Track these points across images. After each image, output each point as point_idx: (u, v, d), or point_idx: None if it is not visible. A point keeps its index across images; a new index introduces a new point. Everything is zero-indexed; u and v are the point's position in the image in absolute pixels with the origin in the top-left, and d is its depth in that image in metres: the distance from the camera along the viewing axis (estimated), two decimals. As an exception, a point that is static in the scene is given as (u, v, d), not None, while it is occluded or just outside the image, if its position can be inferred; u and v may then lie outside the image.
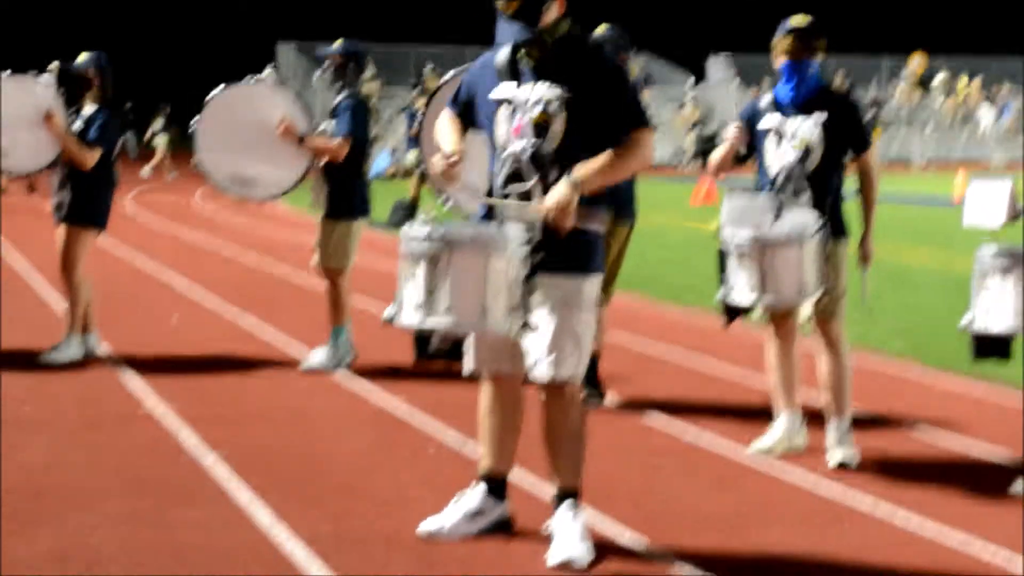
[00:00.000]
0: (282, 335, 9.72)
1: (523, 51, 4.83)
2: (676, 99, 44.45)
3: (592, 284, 4.90)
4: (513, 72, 4.87)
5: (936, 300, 11.98)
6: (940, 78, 49.10)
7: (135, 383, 7.92)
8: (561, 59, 4.82)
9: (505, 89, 4.87)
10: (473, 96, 5.05)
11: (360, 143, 8.39)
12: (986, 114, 46.84)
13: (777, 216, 6.06)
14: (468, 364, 5.08)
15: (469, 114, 5.09)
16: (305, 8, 60.59)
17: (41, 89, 8.58)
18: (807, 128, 6.25)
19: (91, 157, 8.46)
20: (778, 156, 6.30)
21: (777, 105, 6.39)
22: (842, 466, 6.17)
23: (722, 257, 6.24)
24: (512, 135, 4.82)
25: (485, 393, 5.10)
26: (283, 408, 7.38)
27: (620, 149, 4.79)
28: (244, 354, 9.00)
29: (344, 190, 8.43)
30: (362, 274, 13.10)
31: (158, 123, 34.21)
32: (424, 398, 7.58)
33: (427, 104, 7.17)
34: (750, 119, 6.46)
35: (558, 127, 4.77)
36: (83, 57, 8.65)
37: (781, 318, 6.46)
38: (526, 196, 4.74)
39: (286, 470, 6.04)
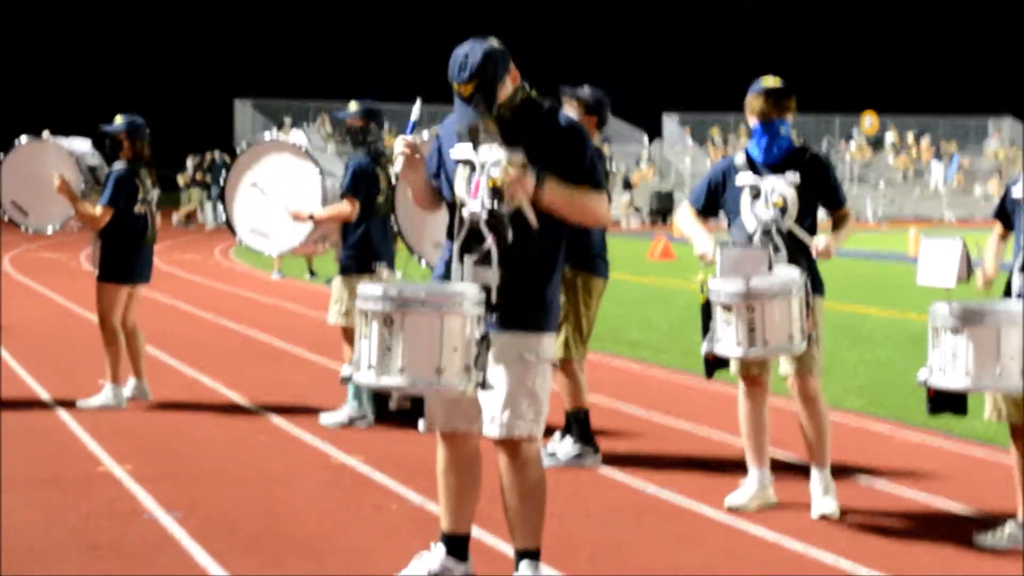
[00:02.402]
0: (241, 393, 9.66)
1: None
2: (632, 156, 44.80)
3: (548, 342, 4.88)
4: (473, 134, 4.88)
5: (893, 355, 12.08)
6: (891, 136, 49.81)
7: (93, 442, 7.85)
8: (519, 122, 4.83)
9: (464, 150, 4.88)
10: (436, 163, 5.06)
11: (365, 202, 8.42)
12: (936, 170, 47.50)
13: (770, 267, 6.10)
14: (423, 423, 5.06)
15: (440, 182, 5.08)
16: (261, 66, 60.76)
17: (55, 150, 9.18)
18: (782, 187, 6.35)
19: (101, 217, 8.94)
20: (754, 213, 6.39)
21: (751, 163, 6.50)
22: (823, 517, 6.30)
23: (707, 309, 6.23)
24: (470, 196, 4.82)
25: (441, 452, 5.07)
26: (243, 467, 7.32)
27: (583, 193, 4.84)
28: (204, 412, 8.94)
29: (352, 245, 8.48)
30: (320, 328, 13.09)
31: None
32: (386, 455, 7.55)
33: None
34: (724, 174, 6.56)
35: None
36: (119, 120, 9.16)
37: (754, 376, 6.52)
38: (485, 258, 4.72)
39: (246, 529, 5.98)
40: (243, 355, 11.96)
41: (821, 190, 6.46)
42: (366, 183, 8.42)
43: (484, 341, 4.58)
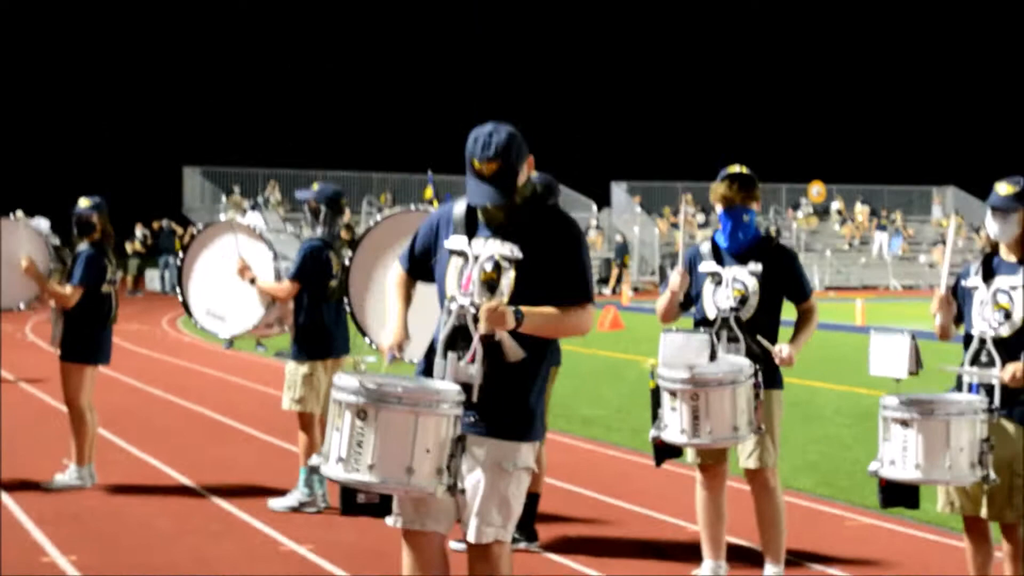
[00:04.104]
0: (188, 475, 9.53)
1: (488, 210, 4.74)
2: (581, 224, 45.05)
3: (527, 450, 4.73)
4: (469, 225, 4.78)
5: (843, 432, 12.11)
6: (836, 205, 50.37)
7: (37, 530, 7.70)
8: (522, 216, 4.72)
9: (458, 241, 4.76)
10: (428, 247, 4.93)
11: (317, 286, 8.39)
12: (879, 239, 48.01)
13: (713, 355, 6.04)
14: (391, 517, 4.90)
15: (422, 268, 4.96)
16: (210, 134, 60.71)
17: (22, 230, 9.23)
18: (744, 276, 6.34)
19: (72, 296, 8.95)
20: (715, 302, 6.39)
21: (716, 250, 6.49)
22: None
23: (656, 395, 6.20)
24: (461, 289, 4.69)
25: (406, 553, 4.86)
26: (191, 556, 7.20)
27: (566, 310, 4.68)
28: (151, 496, 8.81)
29: (302, 330, 8.42)
30: (269, 405, 12.94)
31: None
32: (336, 543, 7.46)
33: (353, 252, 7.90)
34: (691, 261, 6.56)
35: (506, 285, 4.65)
36: (85, 202, 9.19)
37: (710, 466, 6.48)
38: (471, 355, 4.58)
39: (194, 623, 5.88)
40: (191, 433, 11.82)
41: (785, 281, 6.43)
42: (317, 268, 8.40)
43: (460, 443, 4.43)
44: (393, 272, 5.08)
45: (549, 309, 4.66)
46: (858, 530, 8.13)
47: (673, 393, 6.08)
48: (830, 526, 8.24)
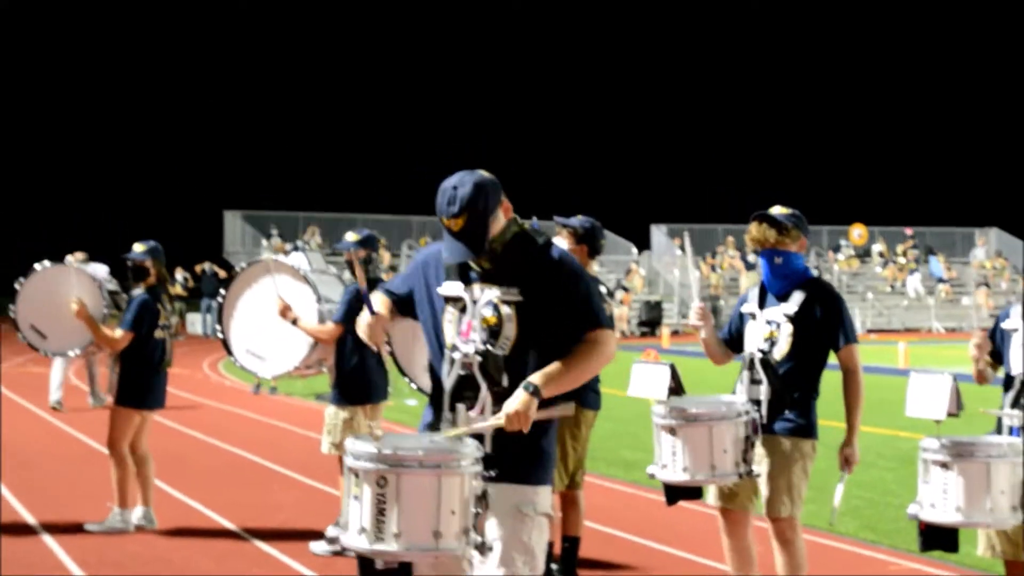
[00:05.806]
0: (230, 519, 9.57)
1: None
2: (622, 267, 45.06)
3: (544, 494, 4.55)
4: (462, 271, 4.61)
5: (885, 475, 12.03)
6: (878, 247, 50.16)
7: (81, 573, 7.76)
8: (511, 259, 4.55)
9: (453, 287, 4.60)
10: (412, 290, 4.77)
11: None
12: (915, 282, 47.65)
13: (678, 388, 5.81)
14: None
15: (404, 306, 4.81)
16: (250, 178, 61.25)
17: (76, 276, 9.28)
18: (777, 317, 6.14)
19: (120, 341, 9.00)
20: (751, 342, 6.21)
21: (763, 292, 6.30)
22: None
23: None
24: (461, 337, 4.52)
25: None
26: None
27: (579, 351, 4.50)
28: (193, 539, 8.87)
29: (343, 374, 8.46)
30: (310, 447, 12.99)
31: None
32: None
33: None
34: (742, 302, 6.42)
35: (510, 330, 4.48)
36: (140, 247, 9.29)
37: (728, 510, 6.32)
38: (479, 406, 4.44)
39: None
40: (232, 476, 11.87)
41: (822, 322, 6.09)
42: (361, 312, 8.41)
43: (483, 500, 4.25)
44: (375, 295, 4.88)
45: (561, 365, 4.46)
46: (901, 574, 8.06)
47: (657, 428, 5.94)
48: (874, 571, 8.18)
